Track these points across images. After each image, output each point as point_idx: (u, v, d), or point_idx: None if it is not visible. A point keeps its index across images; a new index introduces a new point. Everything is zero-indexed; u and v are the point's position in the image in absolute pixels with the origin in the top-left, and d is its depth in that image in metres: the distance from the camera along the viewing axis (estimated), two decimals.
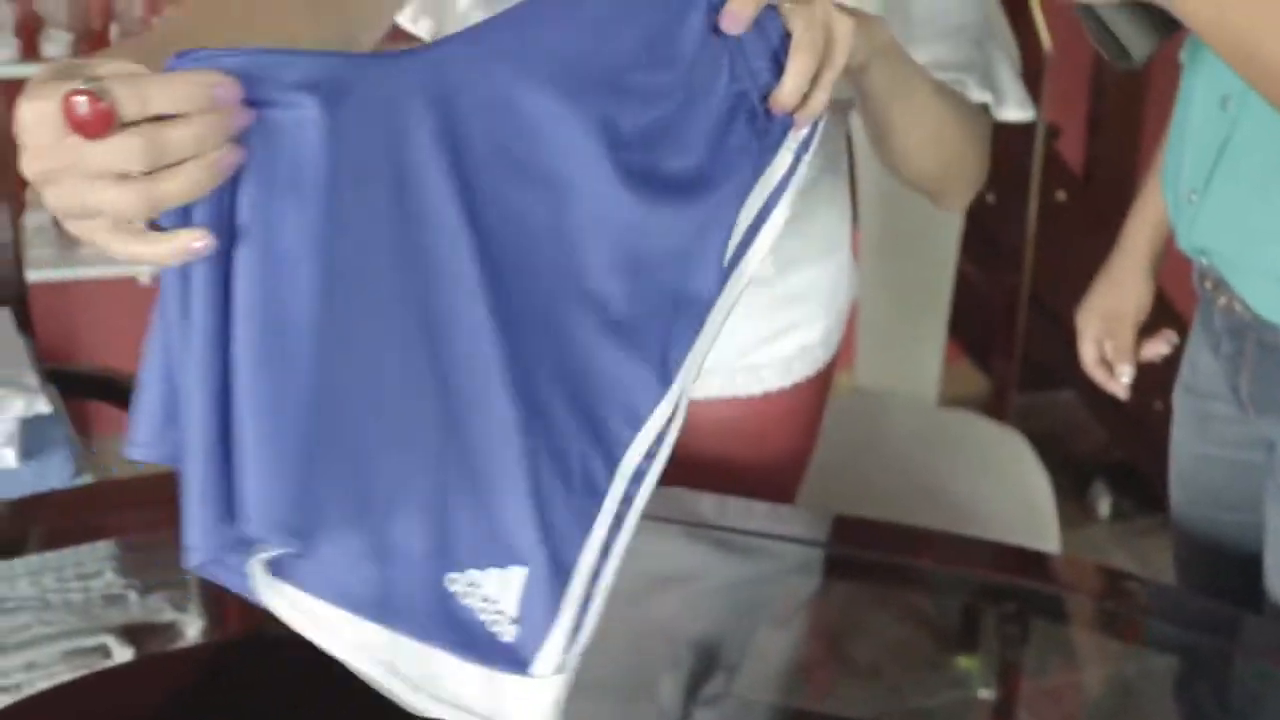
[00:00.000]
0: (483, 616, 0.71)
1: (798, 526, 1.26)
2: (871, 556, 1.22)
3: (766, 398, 1.26)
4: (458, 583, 0.70)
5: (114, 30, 2.45)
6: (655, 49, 0.79)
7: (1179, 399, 1.29)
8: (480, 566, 0.71)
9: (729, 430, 1.27)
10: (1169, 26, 0.96)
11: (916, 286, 1.91)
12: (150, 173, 0.61)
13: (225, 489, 0.64)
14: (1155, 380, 1.43)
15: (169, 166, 0.61)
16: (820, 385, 1.30)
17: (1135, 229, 1.35)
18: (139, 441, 0.67)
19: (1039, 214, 1.88)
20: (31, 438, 1.37)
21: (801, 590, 1.25)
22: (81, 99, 0.59)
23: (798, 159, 0.86)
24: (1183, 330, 1.35)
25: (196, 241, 0.63)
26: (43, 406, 1.38)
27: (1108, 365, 1.36)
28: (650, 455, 0.78)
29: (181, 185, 0.62)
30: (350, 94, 0.65)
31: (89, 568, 1.17)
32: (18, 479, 1.36)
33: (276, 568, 0.69)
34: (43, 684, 0.99)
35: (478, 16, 0.97)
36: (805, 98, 0.83)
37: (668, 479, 1.27)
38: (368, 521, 0.69)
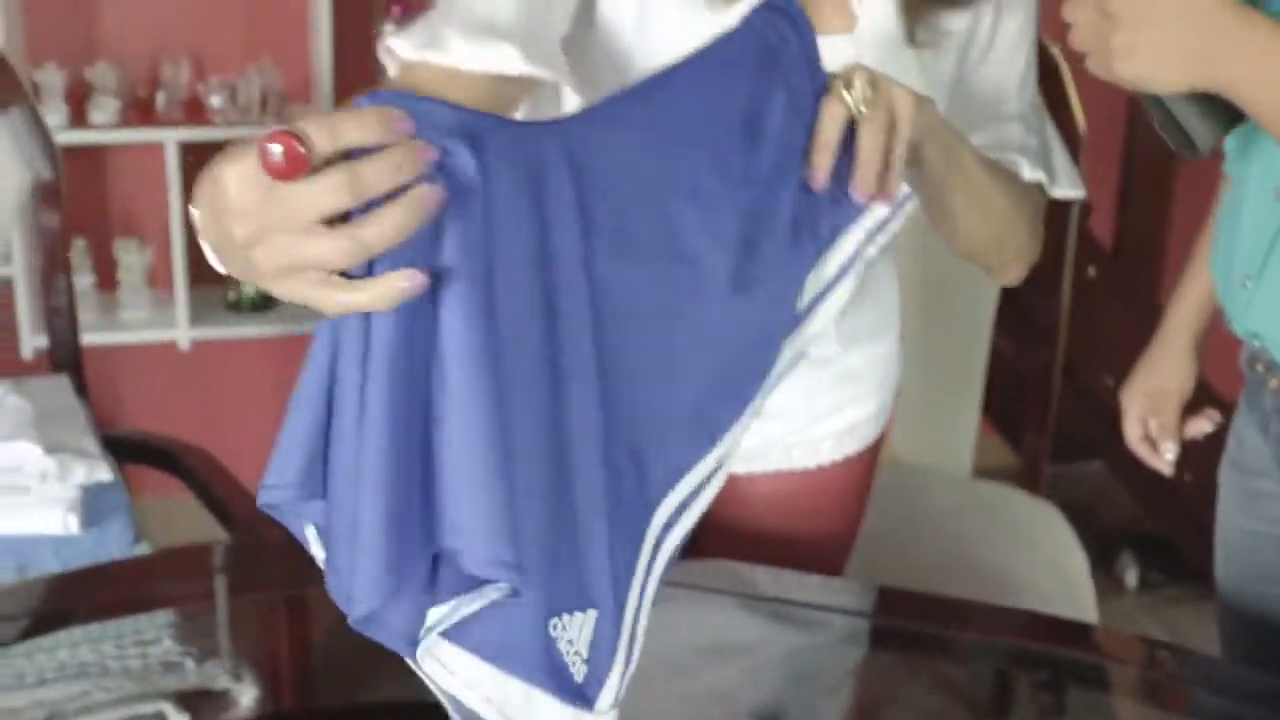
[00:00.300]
0: (567, 658, 0.74)
1: (849, 598, 1.28)
2: (921, 628, 1.24)
3: (820, 471, 1.28)
4: (557, 627, 0.74)
5: (160, 98, 2.50)
6: (751, 130, 0.85)
7: (1225, 476, 1.31)
8: (571, 611, 0.74)
9: (783, 503, 1.29)
10: (1234, 116, 0.98)
11: (952, 362, 1.94)
12: (356, 222, 0.62)
13: (399, 537, 0.65)
14: (1184, 452, 1.45)
15: (374, 215, 0.63)
16: (870, 459, 1.33)
17: (1179, 310, 1.38)
18: (274, 484, 0.68)
19: (1070, 289, 1.91)
20: (92, 505, 1.39)
21: (852, 659, 1.27)
22: (275, 143, 0.61)
23: (870, 238, 0.90)
24: (1219, 407, 1.38)
25: (404, 281, 0.63)
26: (104, 474, 1.41)
27: (1152, 442, 1.38)
28: (683, 507, 0.81)
29: (388, 228, 0.63)
30: (498, 149, 0.67)
31: (147, 635, 1.19)
32: (79, 546, 1.37)
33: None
34: None
35: None
36: (881, 178, 0.88)
37: (724, 551, 1.30)
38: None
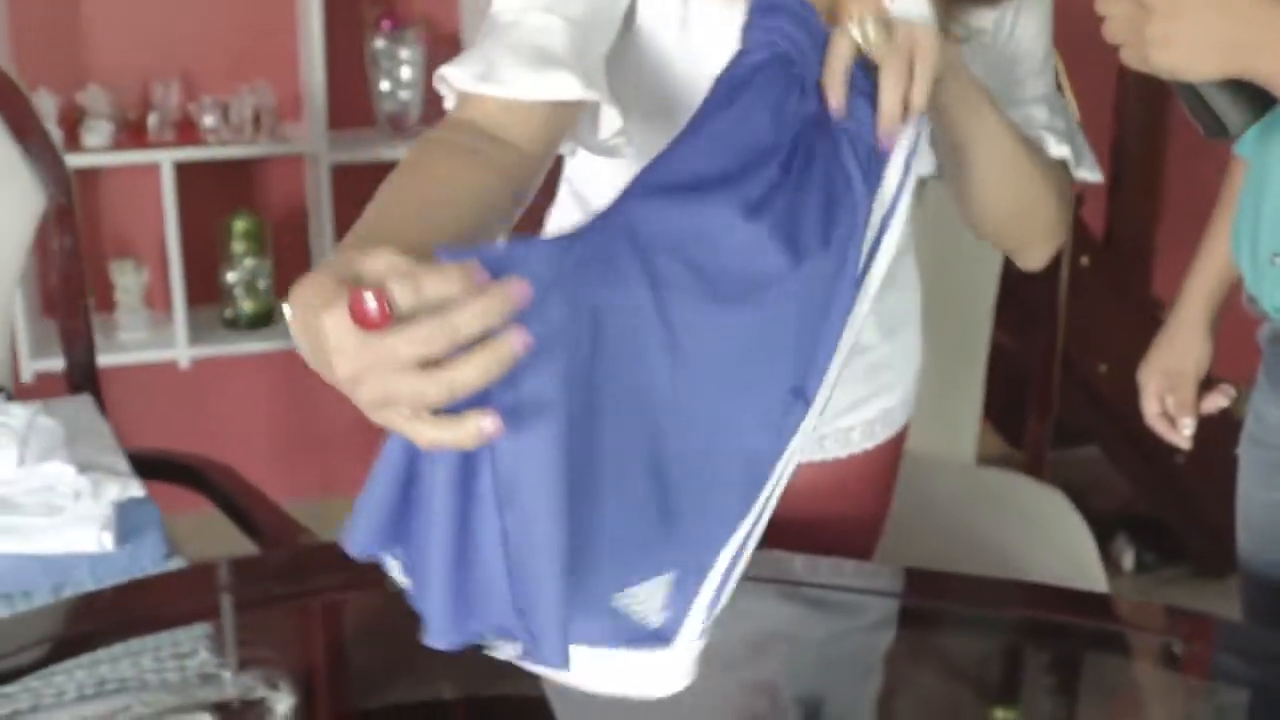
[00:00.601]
0: (637, 616, 0.84)
1: (884, 581, 1.31)
2: (951, 607, 1.27)
3: (851, 460, 1.31)
4: (624, 599, 0.84)
5: (152, 120, 2.51)
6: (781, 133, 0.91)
7: (1246, 451, 1.35)
8: (641, 582, 0.84)
9: (814, 492, 1.31)
10: (1266, 101, 1.01)
11: (954, 352, 1.97)
12: (448, 365, 0.68)
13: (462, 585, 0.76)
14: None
15: (464, 359, 0.68)
16: (897, 446, 1.36)
17: (1194, 288, 1.42)
18: (359, 539, 0.78)
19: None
20: (124, 521, 1.40)
21: (887, 641, 1.30)
22: (368, 297, 0.67)
23: (908, 167, 0.95)
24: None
25: (488, 425, 0.69)
26: (136, 490, 1.41)
27: (1169, 419, 1.42)
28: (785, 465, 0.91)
29: (476, 373, 0.68)
30: (574, 267, 0.76)
31: (184, 648, 1.20)
32: (114, 563, 1.37)
33: None
34: None
35: None
36: (905, 108, 0.92)
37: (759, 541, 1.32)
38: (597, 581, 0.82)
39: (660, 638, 0.84)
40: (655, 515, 0.84)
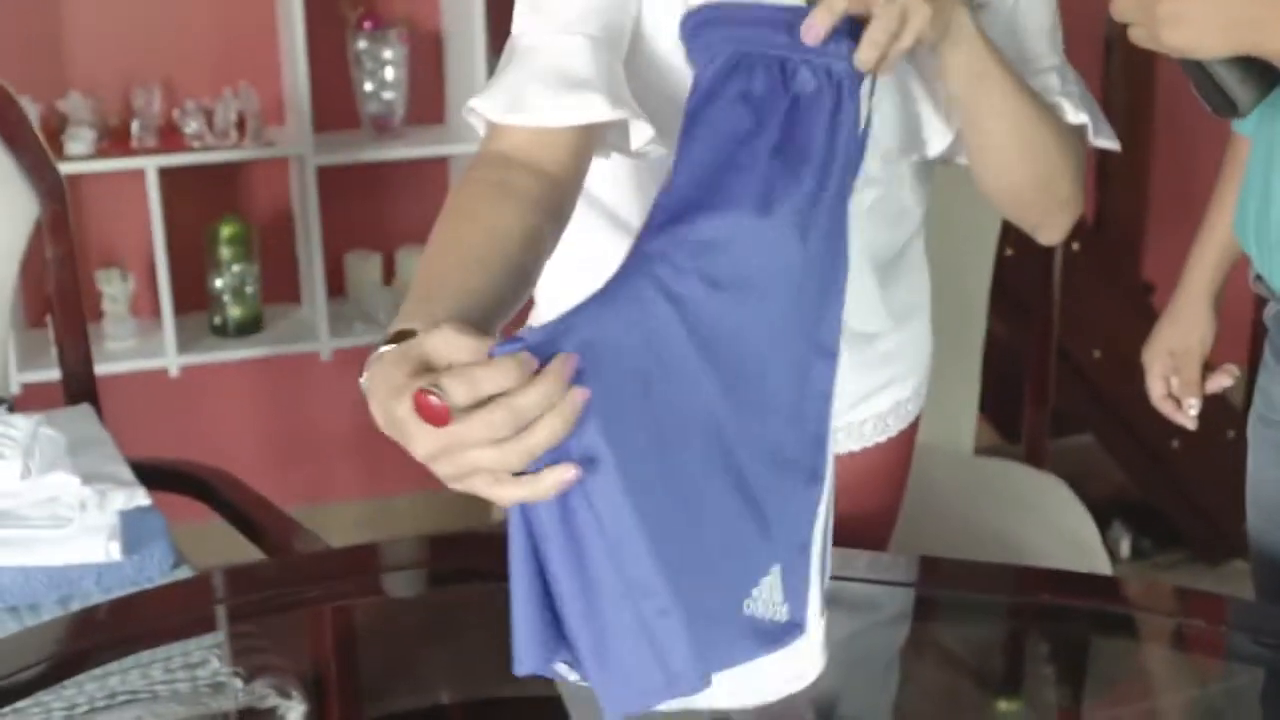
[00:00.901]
0: (767, 615, 0.88)
1: (898, 572, 1.30)
2: (966, 595, 1.27)
3: (865, 452, 1.31)
4: (752, 605, 0.88)
5: (135, 126, 2.49)
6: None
7: (1254, 430, 1.36)
8: (757, 583, 0.88)
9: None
10: (1274, 78, 1.02)
11: (950, 341, 1.96)
12: (522, 435, 0.74)
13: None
14: (1166, 424, 1.49)
15: (536, 425, 0.74)
16: (910, 437, 1.36)
17: (1197, 268, 1.42)
18: (523, 659, 0.83)
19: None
20: (131, 531, 1.38)
21: (903, 633, 1.30)
22: (431, 399, 0.73)
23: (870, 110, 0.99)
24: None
25: (568, 474, 0.76)
26: (142, 499, 1.40)
27: (1174, 400, 1.43)
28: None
29: (546, 436, 0.75)
30: (610, 328, 0.82)
31: (194, 658, 1.20)
32: (121, 573, 1.36)
33: None
34: None
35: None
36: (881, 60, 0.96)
37: None
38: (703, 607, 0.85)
39: (794, 628, 0.89)
40: (750, 518, 0.88)
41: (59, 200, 1.63)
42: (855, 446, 1.30)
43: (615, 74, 1.01)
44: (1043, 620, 1.28)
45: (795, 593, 0.90)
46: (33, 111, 2.43)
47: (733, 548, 0.87)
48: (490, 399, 0.74)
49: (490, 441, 0.74)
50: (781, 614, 0.88)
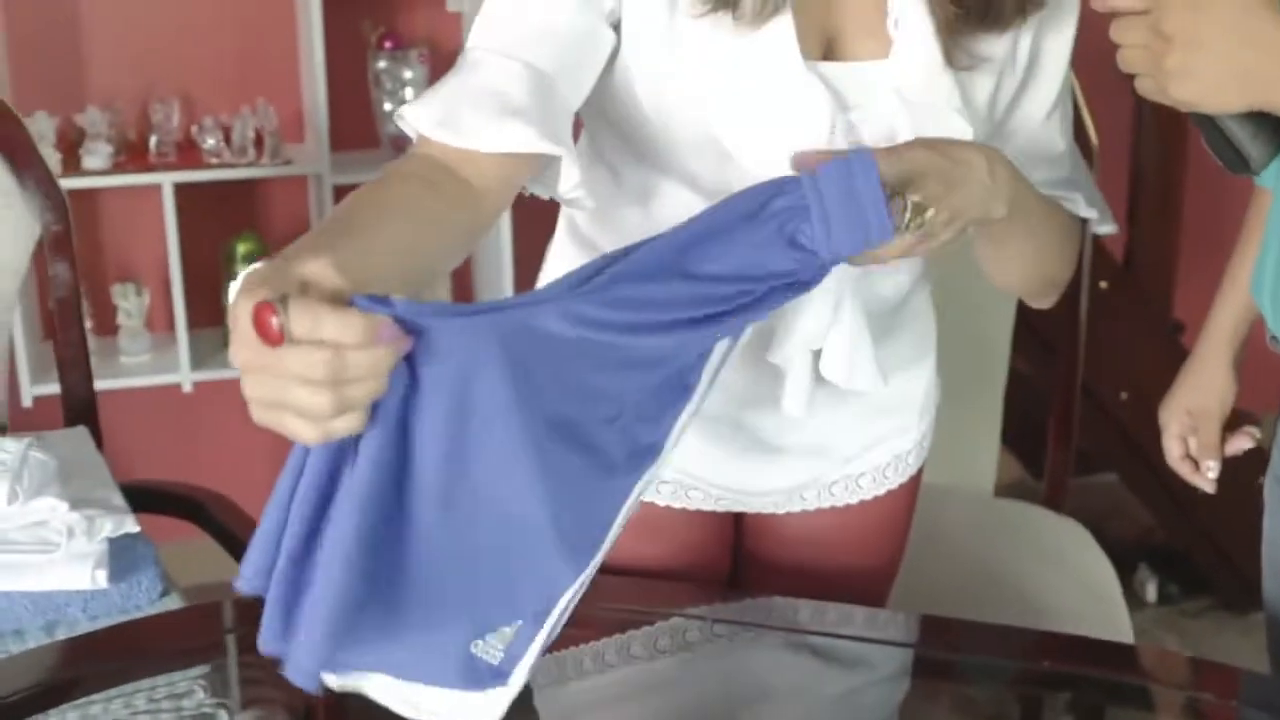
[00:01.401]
0: (485, 656, 0.89)
1: (894, 631, 1.26)
2: (965, 657, 1.23)
3: (862, 505, 1.27)
4: (479, 646, 0.89)
5: (152, 141, 2.48)
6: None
7: (1270, 489, 1.31)
8: (495, 630, 0.89)
9: (824, 539, 1.28)
10: None
11: (972, 380, 1.92)
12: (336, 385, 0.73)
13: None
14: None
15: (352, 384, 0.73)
16: (912, 490, 1.32)
17: (1217, 327, 1.37)
18: (247, 576, 0.83)
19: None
20: (119, 558, 1.35)
21: (899, 693, 1.25)
22: (272, 318, 0.71)
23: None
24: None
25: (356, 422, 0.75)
26: (131, 526, 1.37)
27: (1193, 461, 1.38)
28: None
29: (364, 392, 0.74)
30: (445, 337, 0.81)
31: (180, 688, 1.17)
32: (108, 600, 1.33)
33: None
34: None
35: None
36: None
37: (765, 586, 1.28)
38: (412, 631, 0.87)
39: (499, 676, 0.90)
40: (504, 578, 0.89)
41: (62, 218, 1.61)
42: (853, 500, 1.26)
43: (556, 110, 1.00)
44: (1047, 686, 1.23)
45: (517, 649, 0.91)
46: (50, 125, 2.43)
47: (480, 593, 0.88)
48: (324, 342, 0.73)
49: (303, 380, 0.72)
50: (496, 659, 0.90)
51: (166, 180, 2.42)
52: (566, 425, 0.89)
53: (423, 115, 0.98)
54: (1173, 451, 1.39)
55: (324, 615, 0.81)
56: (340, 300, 0.74)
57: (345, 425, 0.75)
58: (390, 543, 0.84)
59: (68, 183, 2.35)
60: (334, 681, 0.88)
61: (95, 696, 1.15)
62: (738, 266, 0.93)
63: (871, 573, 1.32)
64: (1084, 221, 1.18)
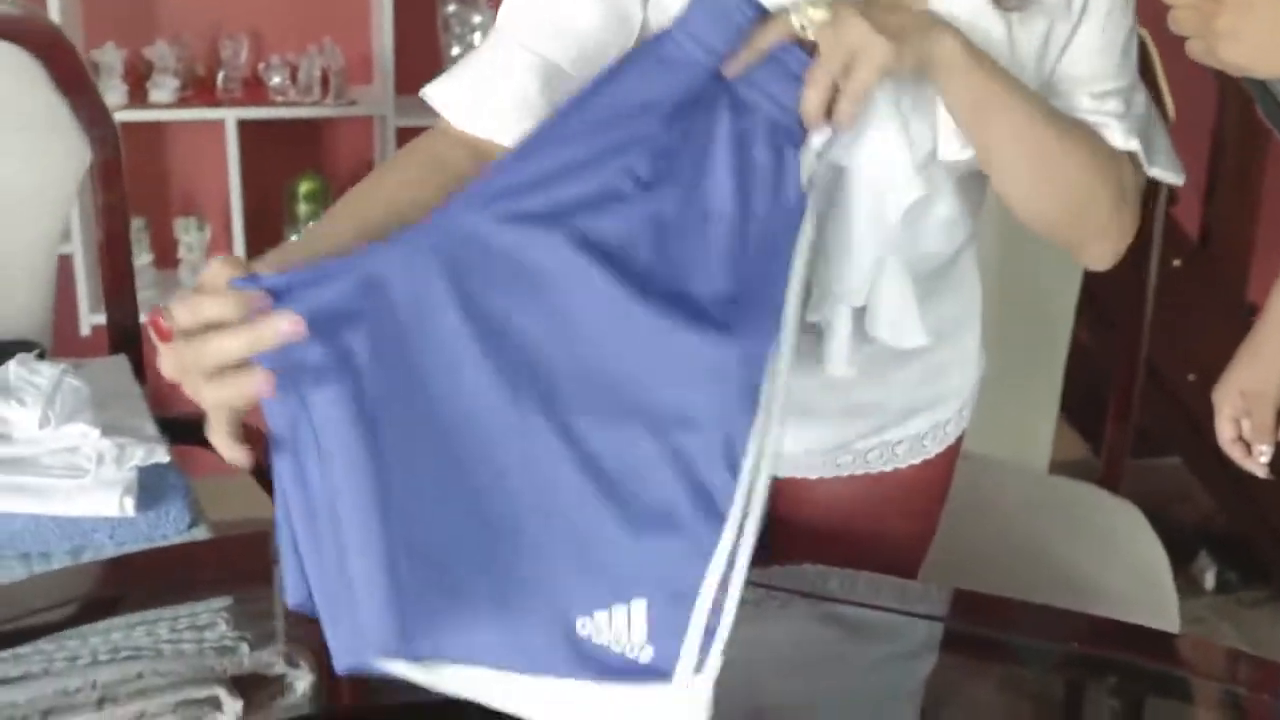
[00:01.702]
0: (616, 648, 0.83)
1: (925, 603, 1.23)
2: (996, 634, 1.19)
3: (898, 474, 1.24)
4: (587, 627, 0.83)
5: (220, 77, 2.48)
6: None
7: None
8: (603, 609, 0.83)
9: (858, 506, 1.25)
10: None
11: (1032, 352, 1.88)
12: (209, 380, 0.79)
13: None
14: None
15: (231, 373, 0.79)
16: (949, 460, 1.28)
17: (1277, 309, 1.32)
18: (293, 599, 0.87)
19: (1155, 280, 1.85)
20: (149, 487, 1.36)
21: (927, 667, 1.22)
22: (160, 321, 0.80)
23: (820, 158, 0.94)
24: None
25: (262, 382, 0.79)
26: (161, 456, 1.37)
27: (1245, 443, 1.33)
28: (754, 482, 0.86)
29: (229, 393, 0.79)
30: (377, 282, 0.82)
31: (202, 619, 1.16)
32: (135, 529, 1.33)
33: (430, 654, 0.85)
34: None
35: None
36: (833, 108, 0.91)
37: (795, 553, 1.25)
38: (480, 608, 0.84)
39: (654, 673, 0.82)
40: (610, 531, 0.83)
41: (113, 148, 1.61)
42: (887, 468, 1.23)
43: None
44: (1078, 668, 1.19)
45: (664, 639, 0.83)
46: (118, 57, 2.43)
47: (543, 555, 0.83)
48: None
49: (197, 367, 0.79)
50: (642, 654, 0.83)
51: (231, 116, 2.43)
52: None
53: (449, 101, 1.00)
54: (1225, 434, 1.34)
55: (373, 592, 0.79)
56: (222, 285, 0.80)
57: (250, 385, 0.79)
58: (431, 507, 0.82)
59: (133, 115, 2.38)
60: (413, 673, 0.86)
61: (117, 621, 1.14)
62: (614, 107, 0.89)
63: (903, 543, 1.28)
64: (1137, 166, 1.09)
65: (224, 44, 2.50)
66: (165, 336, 0.80)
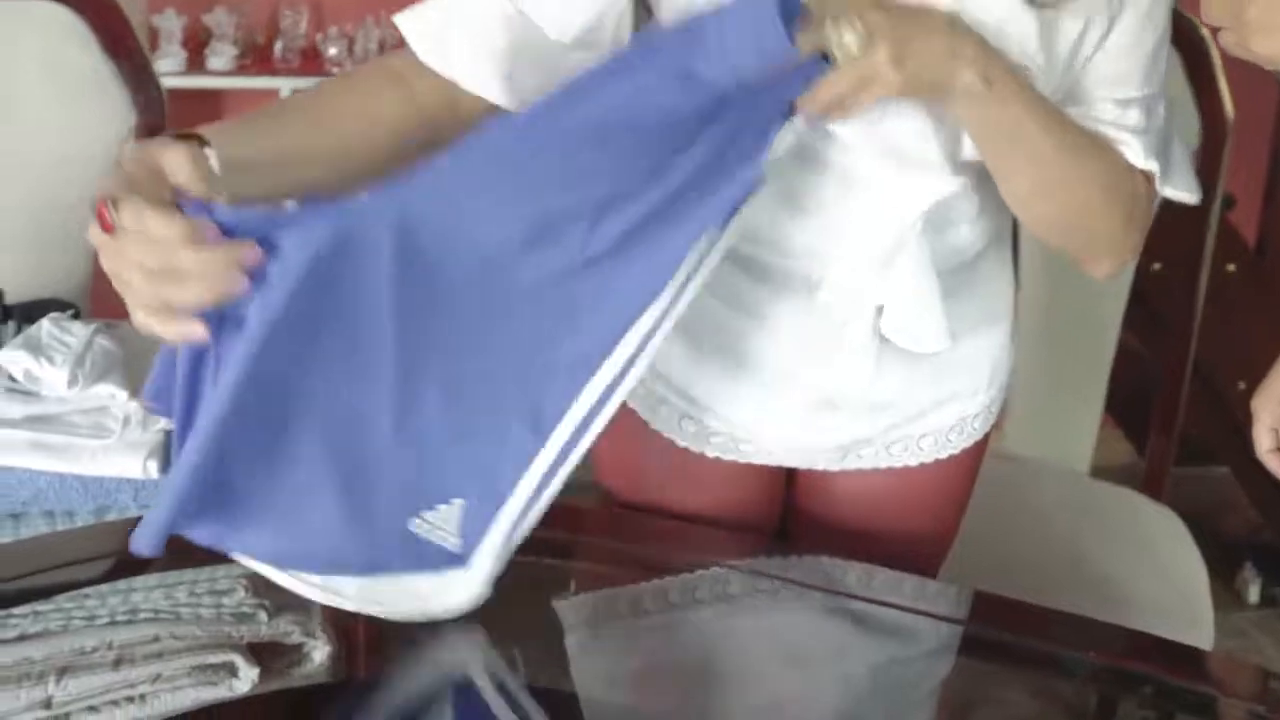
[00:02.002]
0: (432, 537, 0.94)
1: (943, 603, 1.21)
2: (1016, 640, 1.16)
3: (921, 469, 1.22)
4: (420, 525, 0.93)
5: (278, 46, 2.49)
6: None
7: None
8: (431, 507, 0.94)
9: (878, 500, 1.23)
10: None
11: (1076, 353, 1.85)
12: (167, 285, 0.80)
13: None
14: None
15: (184, 285, 0.79)
16: (975, 457, 1.25)
17: None
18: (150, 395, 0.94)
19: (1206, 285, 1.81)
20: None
21: (941, 671, 1.20)
22: (106, 212, 0.80)
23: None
24: None
25: (197, 331, 0.81)
26: None
27: None
28: (590, 418, 0.95)
29: (188, 297, 0.79)
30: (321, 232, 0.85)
31: (221, 585, 1.16)
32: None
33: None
34: (168, 697, 1.00)
35: None
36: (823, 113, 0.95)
37: (813, 545, 1.24)
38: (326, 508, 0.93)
39: (455, 559, 0.94)
40: (446, 439, 0.91)
41: (157, 112, 1.62)
42: (912, 462, 1.21)
43: (534, 62, 0.99)
44: (1098, 679, 1.16)
45: (473, 532, 0.93)
46: (178, 24, 2.45)
47: (400, 468, 0.91)
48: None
49: (138, 266, 0.79)
50: (451, 543, 0.93)
51: (286, 85, 2.44)
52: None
53: (417, 35, 1.00)
54: (1262, 443, 1.29)
55: (178, 483, 0.89)
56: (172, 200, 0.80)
57: (178, 328, 0.81)
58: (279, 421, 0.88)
59: (189, 81, 2.40)
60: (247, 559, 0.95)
61: (136, 582, 1.15)
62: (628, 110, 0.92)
63: (924, 540, 1.26)
64: (1150, 183, 1.08)
65: (284, 14, 2.52)
66: (108, 228, 0.80)
